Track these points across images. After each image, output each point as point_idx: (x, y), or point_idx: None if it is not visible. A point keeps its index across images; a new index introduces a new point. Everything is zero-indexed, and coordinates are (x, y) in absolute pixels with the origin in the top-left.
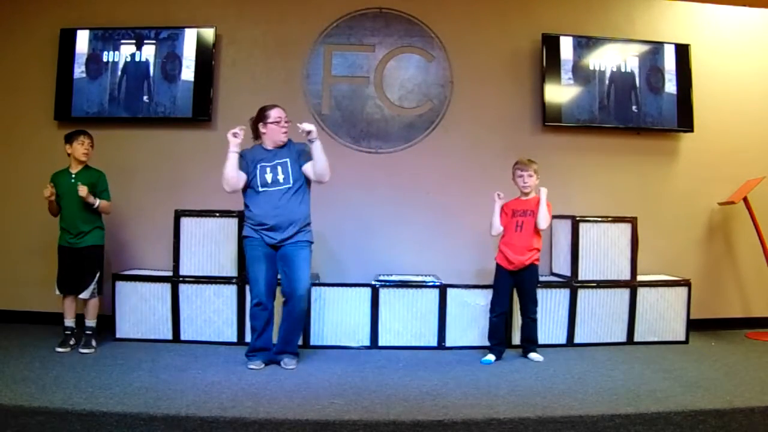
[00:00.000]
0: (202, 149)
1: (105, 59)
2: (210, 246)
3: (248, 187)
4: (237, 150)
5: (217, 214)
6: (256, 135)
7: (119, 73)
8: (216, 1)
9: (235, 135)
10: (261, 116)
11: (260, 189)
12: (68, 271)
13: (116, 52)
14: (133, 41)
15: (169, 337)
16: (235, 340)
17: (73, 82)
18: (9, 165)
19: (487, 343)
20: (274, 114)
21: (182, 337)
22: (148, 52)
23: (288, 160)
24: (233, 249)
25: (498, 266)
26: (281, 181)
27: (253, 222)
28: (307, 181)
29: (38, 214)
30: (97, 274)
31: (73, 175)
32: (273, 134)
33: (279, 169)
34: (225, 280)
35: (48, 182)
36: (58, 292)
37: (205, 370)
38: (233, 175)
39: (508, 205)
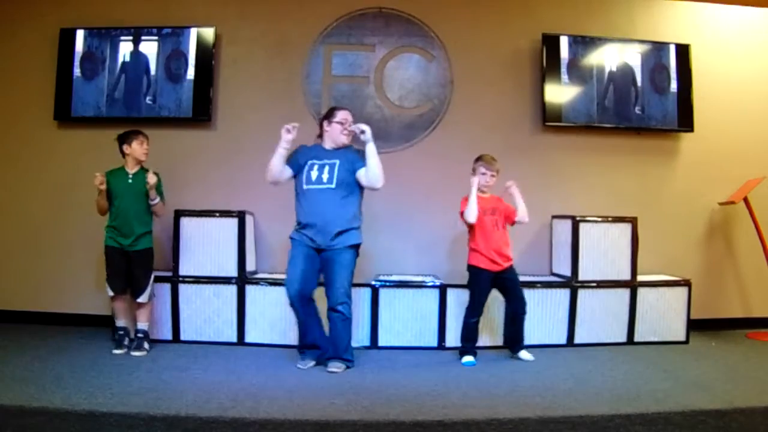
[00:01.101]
0: (202, 149)
1: (105, 59)
2: (210, 246)
3: (296, 191)
4: (287, 146)
5: (217, 214)
6: (321, 133)
7: (119, 72)
8: (216, 1)
9: (288, 131)
10: (328, 114)
11: (304, 186)
12: (120, 273)
13: (116, 52)
14: (133, 41)
15: (169, 337)
16: (235, 340)
17: (73, 82)
18: (9, 165)
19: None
20: (340, 115)
21: (182, 337)
22: (148, 51)
23: (338, 161)
24: (233, 249)
25: (477, 269)
26: (324, 180)
27: (298, 223)
28: (359, 186)
29: (37, 215)
30: (152, 277)
31: (131, 175)
32: (334, 133)
33: (326, 168)
34: (225, 280)
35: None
36: (111, 293)
37: (205, 370)
38: (278, 168)
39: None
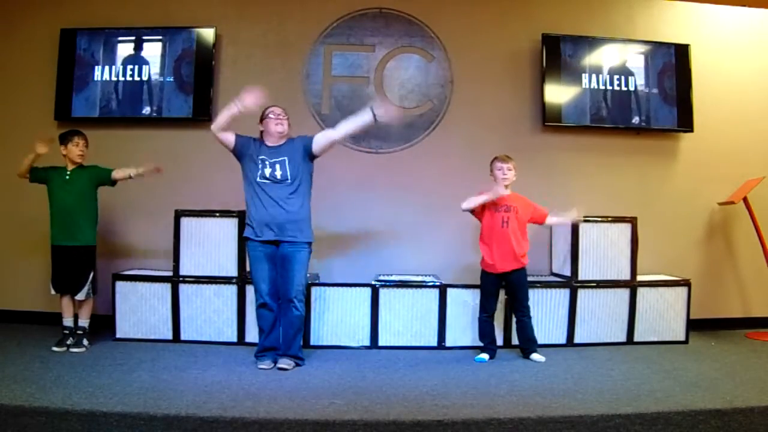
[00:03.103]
0: (202, 149)
1: (105, 59)
2: (210, 246)
3: (247, 183)
4: (238, 109)
5: (217, 214)
6: (261, 136)
7: (119, 73)
8: (216, 1)
9: (248, 98)
10: (260, 117)
11: (259, 181)
12: (63, 271)
13: (116, 52)
14: (133, 41)
15: (169, 337)
16: (235, 340)
17: (73, 82)
18: (9, 165)
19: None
20: (268, 110)
21: (182, 337)
22: (148, 51)
23: (286, 158)
24: (233, 249)
25: (482, 270)
26: (279, 177)
27: (252, 221)
28: (310, 176)
29: (38, 215)
30: (91, 275)
31: (68, 173)
32: (268, 126)
33: (277, 166)
34: (225, 280)
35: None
36: (53, 292)
37: (205, 370)
38: (225, 122)
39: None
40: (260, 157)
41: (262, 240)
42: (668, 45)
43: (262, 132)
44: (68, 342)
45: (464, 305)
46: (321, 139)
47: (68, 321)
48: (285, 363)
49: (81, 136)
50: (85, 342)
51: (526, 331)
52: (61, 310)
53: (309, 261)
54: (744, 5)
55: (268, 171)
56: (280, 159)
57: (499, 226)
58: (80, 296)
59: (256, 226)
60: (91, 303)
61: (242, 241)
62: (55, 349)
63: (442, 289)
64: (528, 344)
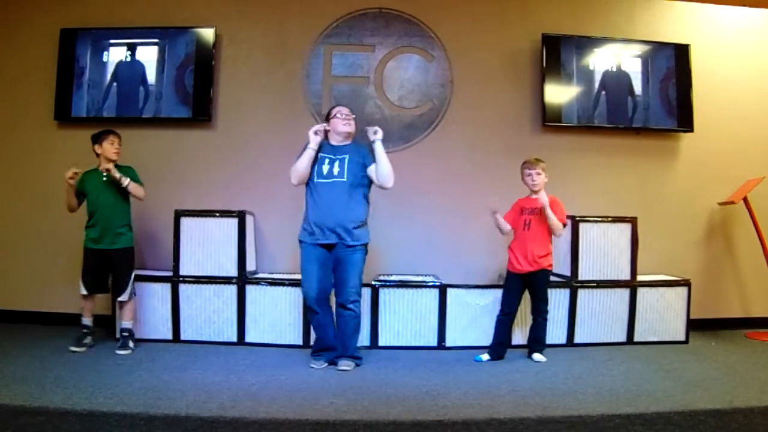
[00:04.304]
0: (202, 149)
1: (104, 59)
2: (210, 246)
3: (308, 185)
4: (315, 148)
5: (217, 214)
6: (326, 135)
7: (119, 73)
8: (216, 1)
9: (316, 133)
10: (327, 114)
11: (316, 180)
12: (95, 273)
13: (116, 52)
14: (132, 41)
15: (169, 337)
16: (235, 340)
17: (73, 82)
18: (9, 165)
19: (487, 343)
20: (335, 110)
21: (182, 337)
22: (148, 51)
23: (347, 156)
24: (233, 249)
25: (508, 271)
26: (336, 174)
27: (308, 223)
28: (368, 182)
29: (38, 214)
30: (132, 276)
31: (105, 175)
32: (335, 126)
33: (336, 163)
34: (225, 280)
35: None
36: (84, 291)
37: (205, 370)
38: (307, 170)
39: (518, 202)
40: (320, 155)
41: (316, 243)
42: (668, 45)
43: (327, 131)
44: (85, 341)
45: (468, 306)
46: (372, 173)
47: (88, 321)
48: (345, 364)
49: (116, 135)
50: (131, 344)
51: (536, 331)
52: (82, 309)
53: (364, 261)
54: (744, 5)
55: (326, 168)
56: (341, 156)
57: (521, 228)
58: (123, 297)
59: (312, 228)
60: (133, 305)
61: (242, 242)
62: (73, 349)
63: (442, 289)
64: (534, 344)
